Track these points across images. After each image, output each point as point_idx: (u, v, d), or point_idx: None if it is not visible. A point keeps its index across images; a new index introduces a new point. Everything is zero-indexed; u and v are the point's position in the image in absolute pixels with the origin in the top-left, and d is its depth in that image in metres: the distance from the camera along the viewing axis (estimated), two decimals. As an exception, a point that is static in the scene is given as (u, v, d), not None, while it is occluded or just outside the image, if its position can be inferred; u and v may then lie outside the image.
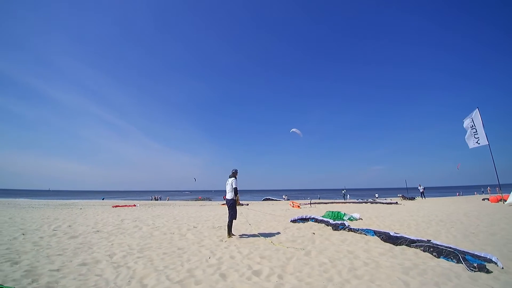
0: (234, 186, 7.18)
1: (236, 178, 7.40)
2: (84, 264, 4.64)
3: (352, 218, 10.81)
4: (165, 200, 44.28)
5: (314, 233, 7.67)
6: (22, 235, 7.04)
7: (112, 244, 6.25)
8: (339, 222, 9.11)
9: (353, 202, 26.20)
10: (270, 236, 7.27)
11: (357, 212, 13.56)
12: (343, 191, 39.82)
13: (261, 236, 7.29)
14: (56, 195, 70.53)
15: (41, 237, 6.86)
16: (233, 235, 7.29)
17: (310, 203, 20.14)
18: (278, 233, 7.79)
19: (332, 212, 11.26)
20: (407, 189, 38.05)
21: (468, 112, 18.93)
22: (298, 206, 17.69)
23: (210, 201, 40.79)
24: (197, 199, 48.28)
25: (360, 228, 8.01)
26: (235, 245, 6.19)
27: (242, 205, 23.46)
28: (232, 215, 7.14)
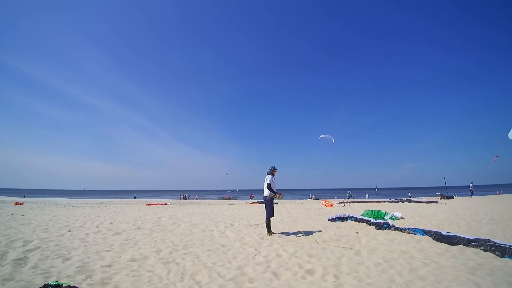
0: (266, 182, 7.00)
1: (272, 175, 7.19)
2: (133, 260, 4.64)
3: (394, 217, 10.27)
4: (193, 199, 45.06)
5: (357, 232, 7.32)
6: (68, 232, 7.27)
7: (156, 241, 6.27)
8: (382, 221, 8.67)
9: (385, 201, 25.17)
10: (311, 235, 7.01)
11: (396, 211, 12.87)
12: (348, 192, 40.35)
13: (304, 234, 7.02)
14: (91, 195, 74.35)
15: (86, 234, 7.05)
16: (273, 233, 7.09)
17: (344, 202, 19.53)
18: (319, 231, 7.50)
19: (372, 211, 10.75)
20: (446, 187, 35.95)
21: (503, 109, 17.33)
22: (331, 205, 17.21)
23: (237, 200, 41.04)
24: (223, 198, 48.68)
25: (407, 227, 7.59)
26: (277, 243, 6.01)
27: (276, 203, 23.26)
28: (269, 212, 6.96)
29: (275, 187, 7.14)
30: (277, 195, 7.19)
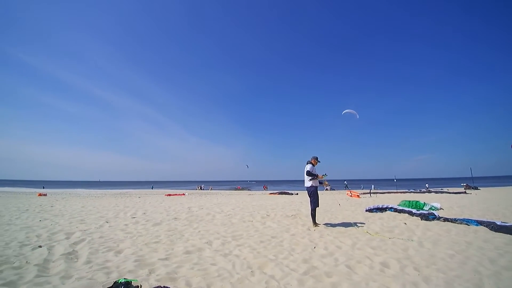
0: (306, 170, 6.61)
1: (312, 164, 6.75)
2: (188, 252, 4.38)
3: (433, 207, 9.80)
4: (207, 189, 45.21)
5: (405, 223, 6.93)
6: (107, 223, 7.08)
7: (199, 231, 6.02)
8: (425, 211, 8.30)
9: (404, 192, 24.54)
10: (358, 226, 6.68)
11: (433, 202, 12.35)
12: (344, 182, 41.10)
13: (353, 225, 6.64)
14: (107, 185, 75.65)
15: (125, 225, 6.85)
16: (318, 224, 6.71)
17: (370, 193, 19.02)
18: (363, 222, 7.13)
19: (409, 201, 10.29)
20: (472, 178, 34.93)
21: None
22: (358, 195, 16.74)
23: (249, 191, 40.92)
24: (236, 189, 48.63)
25: (457, 218, 7.24)
26: (328, 235, 5.68)
27: (292, 194, 22.93)
28: (314, 202, 6.60)
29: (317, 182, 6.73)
30: (319, 176, 6.78)
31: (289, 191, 26.70)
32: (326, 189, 31.83)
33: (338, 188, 37.18)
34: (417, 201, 10.21)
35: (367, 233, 5.86)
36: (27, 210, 9.96)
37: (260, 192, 33.99)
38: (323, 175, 6.85)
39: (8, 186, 49.53)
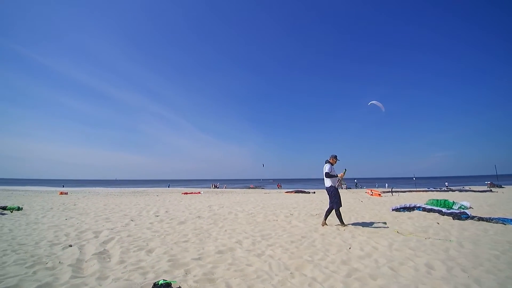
0: (325, 171, 6.35)
1: (331, 163, 6.51)
2: (221, 252, 4.26)
3: (463, 206, 9.35)
4: (222, 188, 45.38)
5: (438, 223, 6.65)
6: (132, 221, 7.08)
7: (226, 230, 5.91)
8: (457, 211, 7.93)
9: (425, 191, 23.83)
10: (388, 226, 6.42)
11: (462, 201, 11.87)
12: (355, 181, 40.86)
13: (386, 225, 6.40)
14: (123, 184, 77.10)
15: (151, 223, 6.82)
16: (345, 224, 6.44)
17: (392, 192, 18.52)
18: (392, 223, 6.89)
19: (437, 200, 9.86)
20: (497, 175, 33.71)
21: None
22: (379, 194, 16.30)
23: (263, 189, 40.79)
24: (249, 187, 48.57)
25: (492, 217, 6.95)
26: (359, 235, 5.46)
27: (309, 192, 22.64)
28: (337, 203, 6.31)
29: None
30: (340, 175, 6.53)
31: (306, 190, 26.41)
32: (342, 188, 31.33)
33: (350, 187, 36.61)
34: (445, 200, 9.78)
35: (399, 233, 5.62)
36: (51, 208, 10.14)
37: (275, 190, 33.81)
38: (343, 171, 6.61)
39: (29, 185, 51.21)
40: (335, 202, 6.30)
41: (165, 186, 46.95)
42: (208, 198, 16.67)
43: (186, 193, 23.65)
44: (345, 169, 6.59)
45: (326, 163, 6.52)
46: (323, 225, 6.34)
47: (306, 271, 3.42)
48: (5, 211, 8.89)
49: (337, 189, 6.43)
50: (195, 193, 24.73)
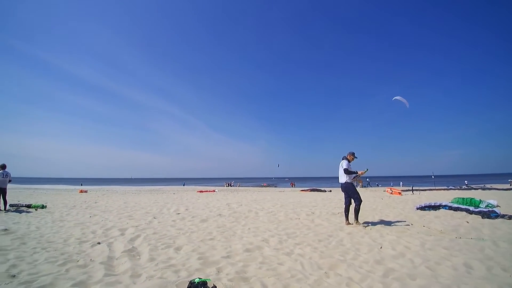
0: (344, 167, 6.16)
1: (348, 160, 6.35)
2: (249, 251, 4.22)
3: (490, 205, 8.99)
4: (236, 186, 45.51)
5: (468, 222, 6.41)
6: (154, 219, 7.13)
7: (249, 229, 5.86)
8: (485, 209, 7.64)
9: (446, 189, 23.23)
10: (414, 225, 6.20)
11: (490, 199, 11.45)
12: (367, 180, 40.28)
13: (412, 224, 6.21)
14: (139, 182, 78.55)
15: (173, 221, 6.85)
16: (359, 222, 6.29)
17: (412, 190, 18.09)
18: (419, 222, 6.68)
19: (463, 198, 9.52)
20: None
21: None
22: (399, 193, 15.92)
23: (277, 188, 40.69)
24: (262, 186, 48.52)
25: None
26: (388, 234, 5.31)
27: (325, 191, 22.39)
28: (358, 198, 6.17)
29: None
30: (360, 172, 6.36)
31: (321, 188, 26.13)
32: (358, 186, 30.79)
33: (365, 185, 36.01)
34: (471, 198, 9.44)
35: (429, 230, 5.48)
36: (74, 206, 10.36)
37: (289, 189, 33.68)
38: (365, 170, 6.46)
39: (49, 184, 52.85)
40: (356, 198, 6.16)
41: (180, 185, 47.51)
42: (224, 196, 16.70)
43: (202, 191, 23.81)
44: (367, 169, 6.45)
45: (343, 159, 6.37)
46: (347, 225, 6.18)
47: (341, 271, 3.33)
48: (30, 209, 9.14)
49: (352, 185, 6.29)
50: (210, 191, 24.87)
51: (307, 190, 24.69)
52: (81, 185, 48.01)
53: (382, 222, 6.56)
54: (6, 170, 8.97)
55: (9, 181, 9.11)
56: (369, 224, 6.24)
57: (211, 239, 4.94)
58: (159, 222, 6.63)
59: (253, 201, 12.20)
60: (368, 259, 3.76)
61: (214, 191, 25.33)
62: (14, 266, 3.44)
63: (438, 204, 8.70)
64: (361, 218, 6.97)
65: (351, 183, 6.26)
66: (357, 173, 6.29)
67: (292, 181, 55.27)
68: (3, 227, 5.82)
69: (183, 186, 40.59)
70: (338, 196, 15.63)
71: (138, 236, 5.17)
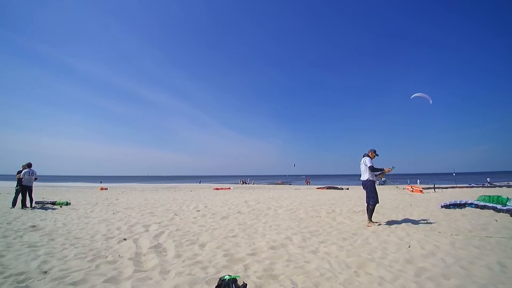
0: (368, 165, 6.00)
1: (370, 157, 6.17)
2: (273, 248, 4.20)
3: (518, 202, 8.61)
4: (250, 183, 45.64)
5: (496, 220, 6.19)
6: (176, 216, 7.23)
7: (271, 226, 5.84)
8: (513, 207, 7.32)
9: (469, 186, 22.44)
10: (438, 225, 6.00)
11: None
12: (383, 178, 38.36)
13: (438, 223, 6.03)
14: (156, 180, 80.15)
15: (194, 218, 6.93)
16: (373, 222, 6.12)
17: (434, 188, 17.58)
18: (445, 220, 6.46)
19: (489, 196, 9.14)
20: None
21: None
22: (421, 191, 15.50)
23: (291, 185, 40.52)
24: (276, 183, 48.43)
25: None
26: (414, 233, 5.16)
27: (342, 188, 22.09)
28: (374, 198, 5.99)
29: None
30: (386, 170, 6.20)
31: (338, 186, 25.79)
32: (380, 183, 30.23)
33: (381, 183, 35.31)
34: (498, 196, 9.06)
35: (457, 229, 5.27)
36: (96, 203, 10.64)
37: (304, 186, 33.45)
38: (391, 168, 6.29)
39: (70, 182, 54.64)
40: (372, 197, 6.00)
41: (196, 182, 48.11)
42: (241, 193, 16.76)
43: (217, 189, 24.02)
44: (393, 166, 6.29)
45: (364, 156, 6.23)
46: (369, 224, 5.99)
47: (370, 270, 3.25)
48: (55, 206, 9.45)
49: (374, 184, 6.13)
50: (225, 188, 25.05)
51: (323, 187, 24.45)
52: (101, 182, 49.39)
53: (407, 220, 6.38)
54: (32, 168, 9.31)
55: (35, 179, 9.44)
56: (373, 223, 6.10)
57: (233, 236, 4.96)
58: (180, 219, 6.71)
59: (270, 199, 12.18)
60: (398, 258, 3.66)
61: (229, 188, 25.49)
62: (45, 262, 3.54)
63: (463, 202, 8.43)
64: (383, 217, 6.86)
65: (373, 181, 6.11)
66: (383, 170, 6.15)
67: (307, 179, 54.87)
68: (31, 224, 6.05)
69: (199, 184, 41.06)
70: (356, 193, 15.40)
71: (162, 232, 5.25)
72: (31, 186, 9.27)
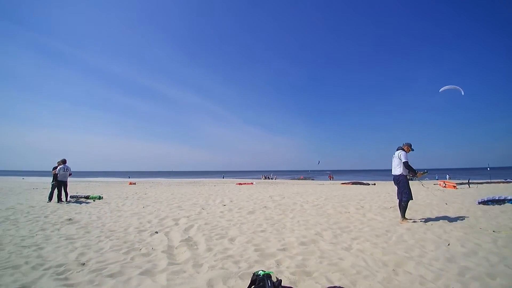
0: (403, 160, 5.66)
1: (406, 152, 5.83)
2: (304, 244, 4.12)
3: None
4: (273, 179, 45.55)
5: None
6: (203, 210, 7.35)
7: (299, 222, 5.77)
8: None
9: (503, 182, 21.12)
10: (477, 222, 5.66)
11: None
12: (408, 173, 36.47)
13: (477, 220, 5.70)
14: (180, 175, 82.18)
15: (221, 212, 7.03)
16: (407, 219, 5.79)
17: (469, 183, 16.68)
18: (484, 217, 6.09)
19: (533, 191, 8.50)
20: None
21: None
22: (454, 186, 14.74)
23: (313, 180, 40.06)
24: (299, 178, 48.06)
25: None
26: (452, 230, 4.89)
27: (368, 184, 21.51)
28: (407, 194, 5.67)
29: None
30: (418, 173, 5.91)
31: (364, 181, 25.11)
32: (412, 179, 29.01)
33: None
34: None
35: (498, 226, 4.95)
36: (127, 197, 11.02)
37: (328, 182, 32.93)
38: (424, 172, 6.02)
39: (101, 177, 57.32)
40: (404, 193, 5.69)
41: (219, 177, 48.74)
42: (265, 188, 16.75)
43: (241, 184, 24.18)
44: (426, 171, 6.05)
45: (398, 149, 5.91)
46: (402, 221, 5.68)
47: (409, 268, 3.10)
48: (88, 200, 9.89)
49: (406, 179, 5.81)
50: (248, 183, 25.17)
51: (348, 183, 23.91)
52: (129, 177, 51.36)
53: (443, 217, 6.07)
54: (66, 164, 9.78)
55: (70, 174, 9.91)
56: (406, 220, 5.81)
57: (262, 231, 4.94)
58: (207, 213, 6.79)
59: (295, 194, 12.07)
60: (437, 257, 3.47)
61: (252, 183, 25.59)
62: (82, 254, 3.68)
63: (502, 198, 7.95)
64: (417, 214, 6.58)
65: (406, 177, 5.80)
66: (416, 173, 5.86)
67: (330, 174, 53.99)
68: (67, 217, 6.35)
69: (222, 179, 41.58)
70: (385, 189, 14.91)
71: (191, 226, 5.33)
72: (66, 181, 9.74)
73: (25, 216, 6.45)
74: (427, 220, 5.82)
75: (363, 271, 2.98)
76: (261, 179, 45.60)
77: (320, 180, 40.95)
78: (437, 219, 5.91)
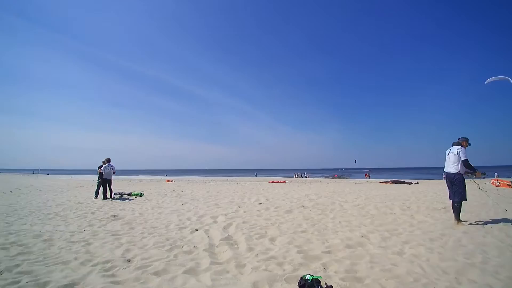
0: (463, 158, 5.10)
1: (464, 147, 5.25)
2: (350, 247, 3.88)
3: None
4: (306, 177, 44.88)
5: None
6: (239, 208, 7.33)
7: (340, 222, 5.50)
8: None
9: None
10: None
11: None
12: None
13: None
14: (213, 173, 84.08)
15: (258, 210, 6.97)
16: (461, 221, 5.23)
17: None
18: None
19: None
20: None
21: None
22: (509, 184, 13.39)
23: (348, 179, 38.76)
24: (333, 177, 46.89)
25: None
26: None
27: (411, 183, 20.29)
28: (461, 194, 5.12)
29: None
30: (477, 173, 5.30)
31: (406, 180, 23.71)
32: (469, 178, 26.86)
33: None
34: None
35: None
36: (166, 194, 11.39)
37: (364, 180, 31.63)
38: (482, 173, 5.39)
39: (141, 175, 60.40)
40: (459, 193, 5.16)
41: (251, 175, 49.05)
42: (299, 187, 16.44)
43: (273, 182, 24.04)
44: (485, 173, 5.44)
45: (455, 145, 5.38)
46: (457, 224, 5.18)
47: (473, 277, 2.77)
48: (131, 197, 10.35)
49: (463, 178, 5.26)
50: (280, 182, 24.95)
51: (388, 182, 22.72)
52: (166, 175, 53.52)
53: (502, 219, 5.47)
54: (110, 163, 10.31)
55: (114, 173, 10.43)
56: (469, 223, 5.24)
57: (303, 231, 4.75)
58: (244, 211, 6.75)
59: (332, 193, 11.66)
60: (503, 263, 3.10)
61: (285, 181, 25.33)
62: (128, 250, 3.75)
63: None
64: (472, 215, 5.99)
65: (463, 176, 5.27)
66: (475, 172, 5.31)
67: (367, 172, 51.89)
68: (112, 213, 6.65)
69: (255, 177, 41.79)
70: (430, 188, 13.92)
71: (230, 224, 5.30)
72: (111, 179, 10.26)
73: (74, 212, 6.84)
74: (485, 222, 5.27)
75: (421, 279, 2.70)
76: (293, 177, 45.18)
77: (356, 178, 39.46)
78: (496, 221, 5.33)
